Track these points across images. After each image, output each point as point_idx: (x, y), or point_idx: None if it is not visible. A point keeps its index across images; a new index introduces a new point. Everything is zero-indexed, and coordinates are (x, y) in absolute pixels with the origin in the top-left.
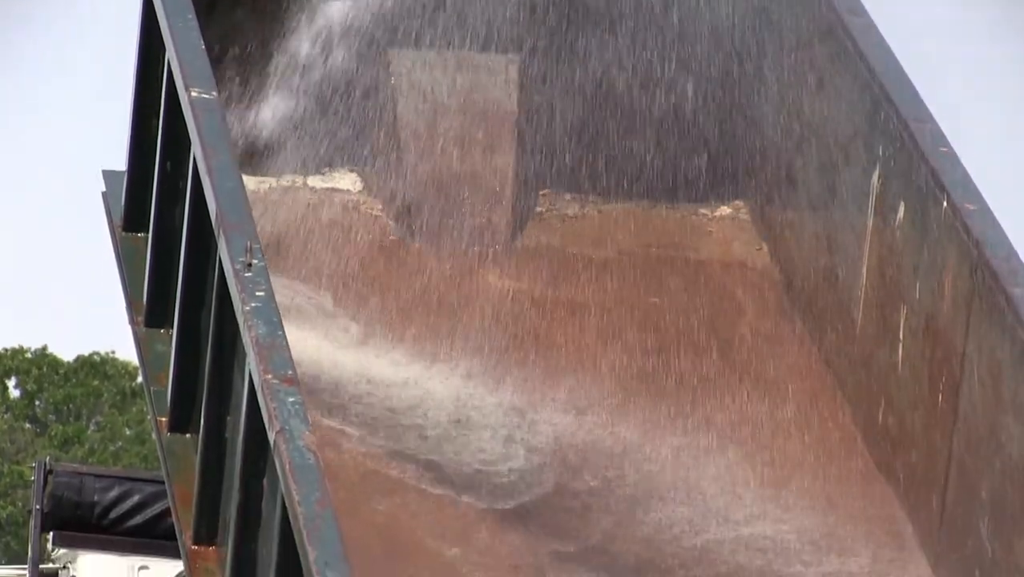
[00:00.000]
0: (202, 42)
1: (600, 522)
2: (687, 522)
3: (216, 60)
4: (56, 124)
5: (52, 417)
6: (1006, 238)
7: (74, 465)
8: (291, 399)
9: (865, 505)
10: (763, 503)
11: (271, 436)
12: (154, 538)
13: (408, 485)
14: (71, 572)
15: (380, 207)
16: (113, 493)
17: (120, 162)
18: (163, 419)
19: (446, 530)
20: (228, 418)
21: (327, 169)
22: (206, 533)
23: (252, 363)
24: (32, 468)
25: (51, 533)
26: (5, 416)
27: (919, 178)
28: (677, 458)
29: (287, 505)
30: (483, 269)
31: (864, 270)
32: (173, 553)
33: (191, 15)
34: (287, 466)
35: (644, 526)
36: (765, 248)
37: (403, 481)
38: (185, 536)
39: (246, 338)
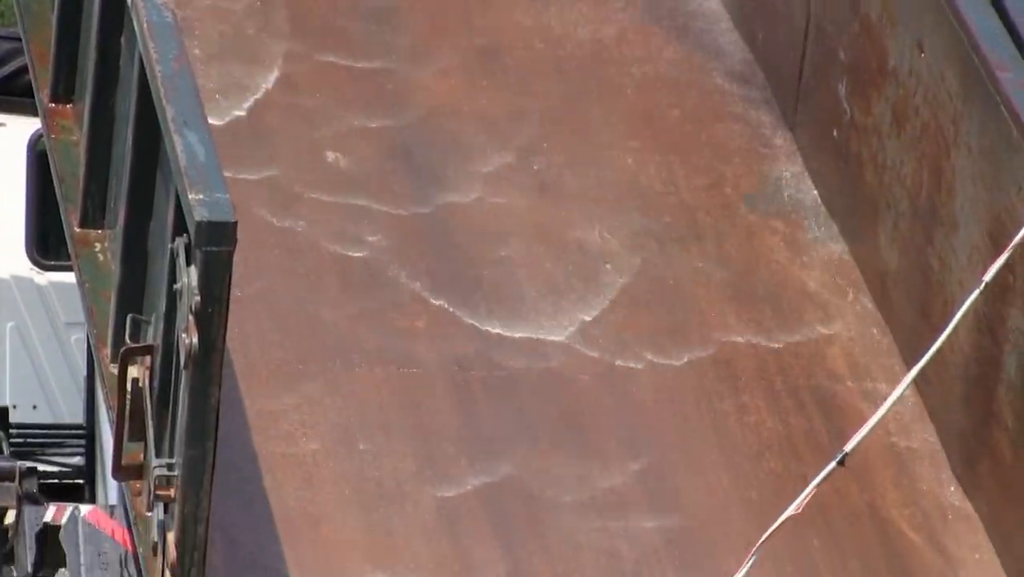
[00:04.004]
0: None
1: None
2: None
3: None
4: None
5: None
6: None
7: None
8: None
9: (722, 67)
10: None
11: None
12: (11, 95)
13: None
14: None
15: None
16: None
17: None
18: None
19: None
20: None
21: None
22: (63, 91)
23: None
24: None
25: None
26: None
27: None
28: None
29: (144, 63)
30: None
31: None
32: (31, 110)
33: None
34: (144, 24)
35: None
36: None
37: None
38: (42, 94)
39: None
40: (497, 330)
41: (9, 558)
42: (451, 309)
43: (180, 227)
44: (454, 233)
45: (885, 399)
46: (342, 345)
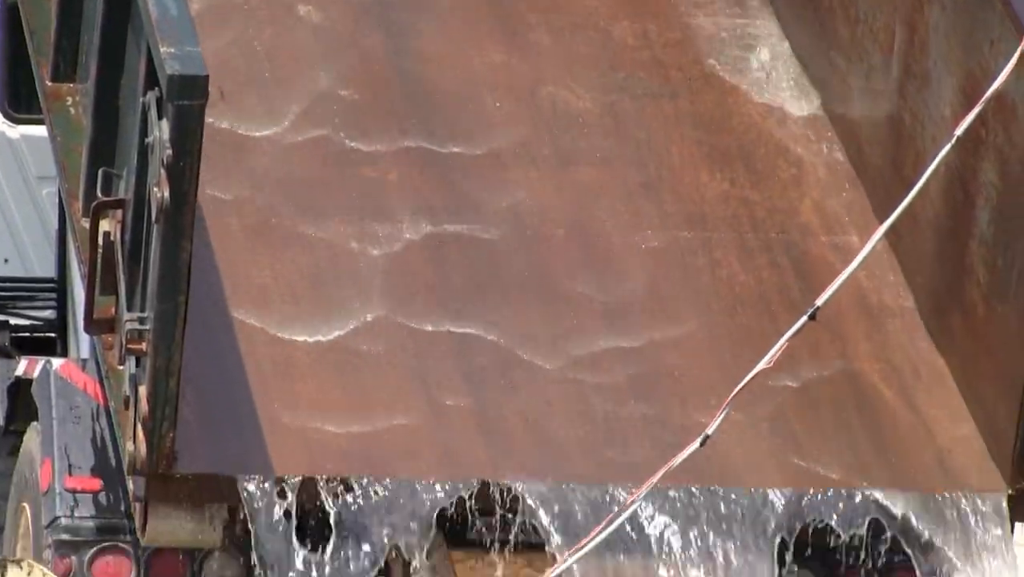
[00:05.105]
0: None
1: None
2: None
3: None
4: None
5: None
6: None
7: None
8: None
9: None
10: None
11: None
12: None
13: None
14: None
15: None
16: None
17: None
18: None
19: None
20: None
21: None
22: None
23: None
24: None
25: None
26: None
27: None
28: None
29: None
30: None
31: None
32: None
33: None
34: None
35: None
36: None
37: None
38: None
39: None
40: (470, 184)
41: None
42: (423, 162)
43: (152, 81)
44: (426, 88)
45: (857, 253)
46: (313, 199)
